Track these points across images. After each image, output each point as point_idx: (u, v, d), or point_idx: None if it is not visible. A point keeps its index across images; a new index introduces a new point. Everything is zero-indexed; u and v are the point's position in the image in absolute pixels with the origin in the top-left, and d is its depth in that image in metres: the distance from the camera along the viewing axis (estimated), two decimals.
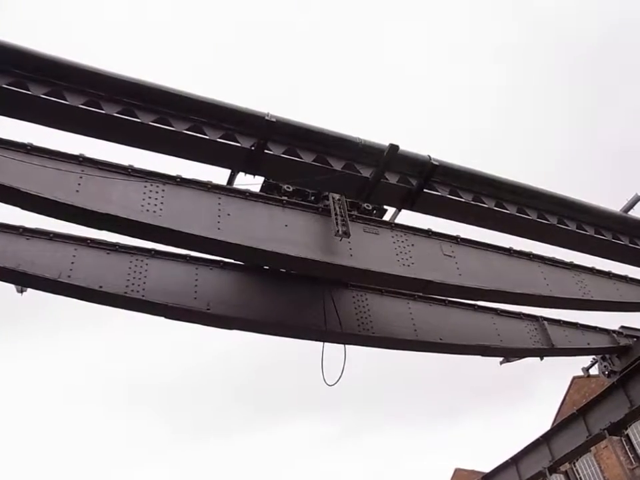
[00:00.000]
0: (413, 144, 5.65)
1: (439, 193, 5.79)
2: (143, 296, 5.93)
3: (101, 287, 5.78)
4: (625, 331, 9.55)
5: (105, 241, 6.13)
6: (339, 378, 6.33)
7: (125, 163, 5.53)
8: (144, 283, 6.02)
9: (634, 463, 24.01)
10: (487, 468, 13.81)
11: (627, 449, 24.05)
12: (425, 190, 5.72)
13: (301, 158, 5.28)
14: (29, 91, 4.43)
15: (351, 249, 6.09)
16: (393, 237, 6.60)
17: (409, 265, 6.34)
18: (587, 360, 10.49)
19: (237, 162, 5.32)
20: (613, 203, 7.01)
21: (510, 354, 8.56)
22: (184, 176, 5.76)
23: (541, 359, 8.66)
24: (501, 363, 9.02)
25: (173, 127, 4.84)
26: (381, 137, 5.56)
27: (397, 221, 6.78)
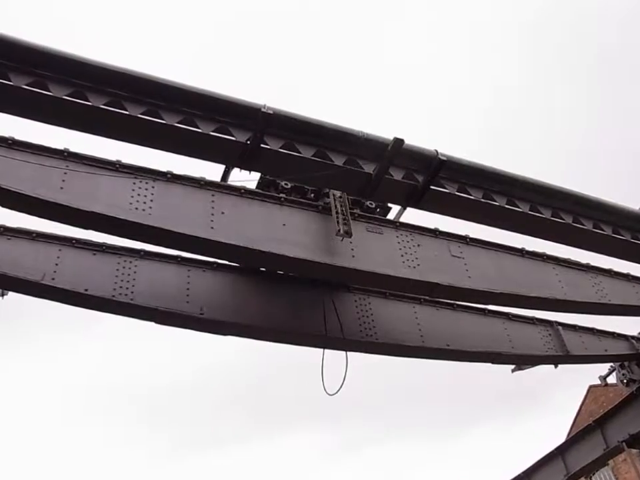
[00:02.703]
0: (418, 142, 5.66)
1: (447, 190, 5.79)
2: (132, 300, 5.93)
3: (86, 290, 5.78)
4: None
5: (91, 241, 6.12)
6: (340, 387, 6.33)
7: (113, 158, 5.53)
8: (132, 285, 6.02)
9: None
10: None
11: None
12: (431, 187, 5.71)
13: (300, 153, 5.27)
14: (9, 81, 4.42)
15: (353, 249, 6.08)
16: (397, 236, 6.60)
17: (414, 267, 6.33)
18: (604, 368, 10.49)
19: (231, 157, 5.31)
20: (632, 201, 6.99)
21: (522, 361, 8.56)
22: (175, 172, 5.76)
23: (555, 366, 8.66)
24: (513, 370, 9.02)
25: (163, 119, 4.83)
26: (384, 134, 5.55)
27: (402, 219, 6.77)
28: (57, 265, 5.81)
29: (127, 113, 4.73)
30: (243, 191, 6.05)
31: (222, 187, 5.97)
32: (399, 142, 5.39)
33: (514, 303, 7.06)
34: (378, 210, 6.89)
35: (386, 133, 5.50)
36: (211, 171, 5.87)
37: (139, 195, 5.40)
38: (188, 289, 6.29)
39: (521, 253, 7.32)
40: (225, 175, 6.12)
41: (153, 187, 5.55)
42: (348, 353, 6.63)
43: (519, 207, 6.15)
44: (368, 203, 6.77)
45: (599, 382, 10.82)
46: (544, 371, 8.90)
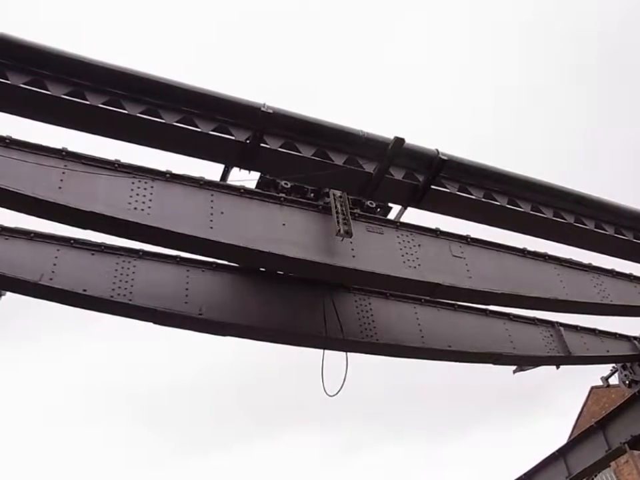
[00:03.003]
0: (419, 141, 5.65)
1: (448, 190, 5.79)
2: (130, 300, 5.93)
3: (85, 290, 5.78)
4: None
5: (90, 241, 6.12)
6: (340, 388, 6.33)
7: (111, 157, 5.53)
8: (131, 286, 6.02)
9: None
10: None
11: None
12: (432, 186, 5.71)
13: (300, 152, 5.27)
14: (7, 80, 4.43)
15: (353, 249, 6.08)
16: (398, 236, 6.60)
17: (415, 267, 6.34)
18: (606, 369, 10.50)
19: (230, 156, 5.31)
20: (635, 200, 7.00)
21: (524, 362, 8.56)
22: (174, 171, 5.76)
23: (557, 367, 8.66)
24: (514, 372, 9.02)
25: (162, 118, 4.83)
26: (384, 133, 5.55)
27: (403, 219, 6.78)
28: (55, 265, 5.81)
29: (125, 112, 4.73)
30: (242, 190, 6.05)
31: (221, 187, 5.97)
32: (399, 141, 5.40)
33: (515, 304, 7.07)
34: (378, 210, 6.89)
35: (387, 132, 5.52)
36: (210, 170, 5.88)
37: (137, 194, 5.41)
38: (187, 289, 6.29)
39: (523, 253, 7.32)
40: (225, 175, 6.13)
41: (151, 187, 5.55)
42: (348, 353, 6.64)
43: (520, 207, 6.15)
44: (368, 202, 6.77)
45: (600, 383, 10.83)
46: (545, 371, 8.91)
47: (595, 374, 10.81)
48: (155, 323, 6.15)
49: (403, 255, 6.40)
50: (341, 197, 6.32)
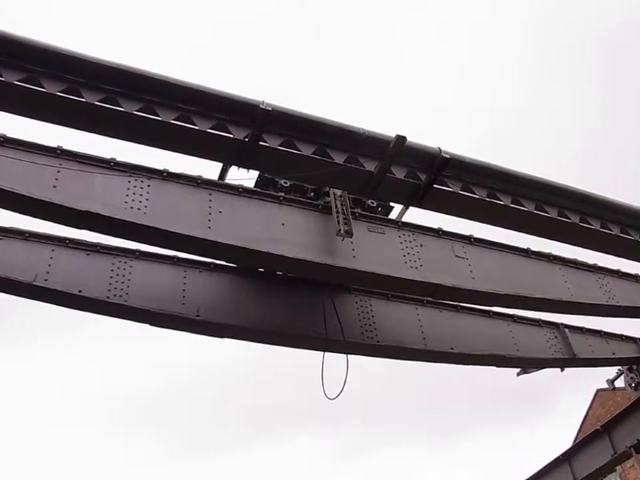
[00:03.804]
0: (421, 140, 5.65)
1: (450, 189, 5.79)
2: (126, 301, 5.93)
3: (80, 291, 5.79)
4: None
5: (85, 241, 6.13)
6: (341, 391, 6.33)
7: (107, 155, 5.54)
8: (127, 287, 6.03)
9: None
10: None
11: None
12: (434, 185, 5.71)
13: (299, 150, 5.27)
14: (2, 77, 4.43)
15: (353, 249, 6.09)
16: (399, 236, 6.61)
17: (417, 268, 6.34)
18: (611, 371, 10.52)
19: (229, 155, 5.32)
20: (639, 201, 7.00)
21: (527, 364, 8.57)
22: (171, 170, 5.77)
23: (562, 370, 8.67)
24: (518, 374, 9.03)
25: (159, 116, 4.83)
26: (386, 131, 5.55)
27: (405, 219, 6.79)
28: (49, 265, 5.82)
29: (122, 109, 4.73)
30: (240, 189, 6.05)
31: (219, 186, 5.98)
32: (401, 139, 5.40)
33: (519, 305, 7.07)
34: (379, 209, 6.90)
35: (388, 130, 5.52)
36: (208, 169, 5.88)
37: (134, 193, 5.41)
38: (184, 290, 6.29)
39: (526, 253, 7.32)
40: (223, 174, 6.14)
41: (148, 186, 5.56)
42: (349, 355, 6.64)
43: (524, 206, 6.14)
44: (369, 202, 6.78)
45: (606, 386, 10.85)
46: (550, 374, 8.92)
47: (600, 376, 10.84)
48: (151, 324, 6.16)
49: (404, 256, 6.40)
50: (341, 196, 6.32)
